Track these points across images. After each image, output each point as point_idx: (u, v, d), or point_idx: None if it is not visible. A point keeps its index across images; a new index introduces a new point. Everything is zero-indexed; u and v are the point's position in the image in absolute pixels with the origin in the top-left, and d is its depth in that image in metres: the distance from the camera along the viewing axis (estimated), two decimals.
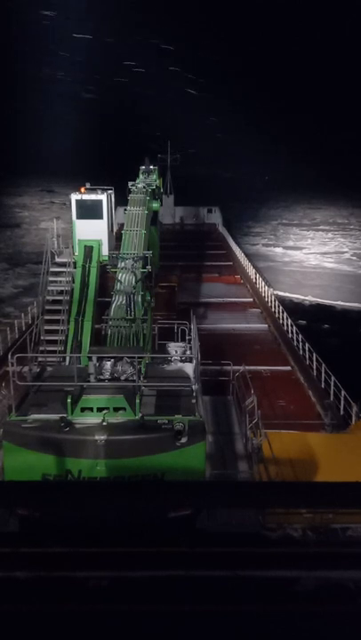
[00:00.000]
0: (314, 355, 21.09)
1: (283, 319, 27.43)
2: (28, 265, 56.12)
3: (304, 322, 30.04)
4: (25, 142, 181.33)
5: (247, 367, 18.77)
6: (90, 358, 12.46)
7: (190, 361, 13.60)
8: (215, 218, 63.48)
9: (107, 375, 12.21)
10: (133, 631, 5.03)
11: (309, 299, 44.85)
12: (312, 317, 38.68)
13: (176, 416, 10.96)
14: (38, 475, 10.48)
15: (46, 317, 19.75)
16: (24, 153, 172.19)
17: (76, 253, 20.58)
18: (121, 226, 21.20)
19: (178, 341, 15.44)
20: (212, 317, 29.27)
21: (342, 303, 43.88)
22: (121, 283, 16.42)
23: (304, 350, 22.56)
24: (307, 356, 22.03)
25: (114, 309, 15.71)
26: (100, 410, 11.10)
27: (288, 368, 22.38)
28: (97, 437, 10.49)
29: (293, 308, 35.55)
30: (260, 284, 35.42)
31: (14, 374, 11.93)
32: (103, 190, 21.24)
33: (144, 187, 22.55)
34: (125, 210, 20.25)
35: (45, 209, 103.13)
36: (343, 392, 17.35)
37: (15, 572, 5.53)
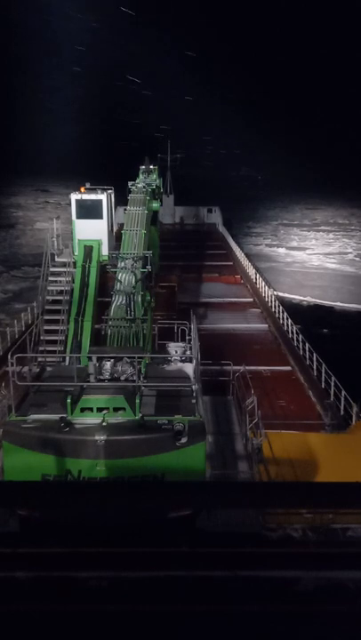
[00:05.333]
0: (314, 355, 21.08)
1: (283, 319, 27.42)
2: (23, 267, 55.02)
3: (303, 322, 29.99)
4: (20, 141, 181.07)
5: (247, 367, 18.75)
6: (90, 358, 12.45)
7: (190, 361, 13.59)
8: (215, 218, 63.38)
9: (107, 375, 12.20)
10: (133, 631, 5.02)
11: (308, 299, 44.83)
12: (311, 318, 38.65)
13: (176, 416, 10.95)
14: (38, 475, 10.47)
15: (46, 317, 19.74)
16: (19, 151, 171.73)
17: (76, 253, 20.57)
18: (121, 226, 21.18)
19: (178, 341, 15.41)
20: (212, 317, 29.24)
21: (341, 304, 43.88)
22: (121, 283, 16.41)
23: (304, 350, 22.54)
24: (307, 356, 22.01)
25: (114, 309, 15.70)
26: (99, 410, 11.10)
27: (288, 368, 22.36)
28: (97, 437, 10.48)
29: (292, 309, 35.55)
30: (261, 284, 35.40)
31: (14, 374, 11.92)
32: (103, 190, 21.23)
33: (144, 186, 22.53)
34: (125, 210, 20.22)
35: (40, 209, 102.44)
36: (343, 392, 17.34)
37: (15, 572, 5.53)
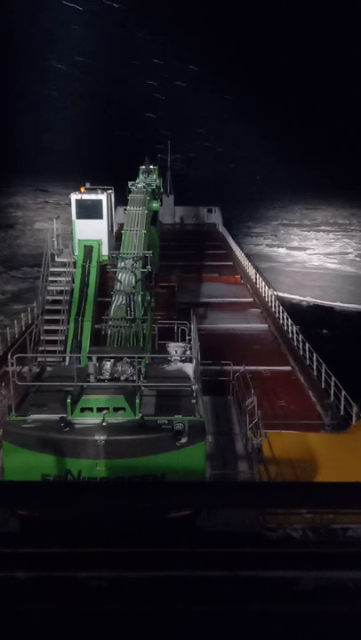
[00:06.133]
0: (314, 355, 21.08)
1: (283, 319, 27.42)
2: (22, 268, 54.67)
3: (303, 322, 30.02)
4: (20, 140, 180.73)
5: (247, 367, 18.75)
6: (90, 358, 12.45)
7: (190, 361, 13.59)
8: (215, 218, 63.39)
9: (107, 375, 12.20)
10: (133, 631, 5.02)
11: (308, 299, 44.83)
12: (311, 318, 38.66)
13: (176, 416, 10.95)
14: (38, 475, 10.47)
15: (46, 317, 19.73)
16: (18, 151, 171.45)
17: (76, 253, 20.57)
18: (121, 226, 21.18)
19: (178, 341, 15.42)
20: (212, 317, 29.24)
21: (341, 304, 43.87)
22: (121, 283, 16.41)
23: (304, 350, 22.54)
24: (307, 356, 22.01)
25: (114, 309, 15.70)
26: (99, 410, 11.10)
27: (288, 368, 22.36)
28: (97, 437, 10.48)
29: (292, 309, 35.57)
30: (261, 284, 35.41)
31: (14, 374, 11.92)
32: (103, 190, 21.23)
33: (144, 186, 22.54)
34: (125, 210, 20.23)
35: (39, 209, 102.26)
36: (343, 392, 17.34)
37: (15, 572, 5.53)
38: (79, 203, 20.72)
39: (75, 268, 20.40)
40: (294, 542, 10.47)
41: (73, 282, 20.22)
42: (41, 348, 16.65)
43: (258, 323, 28.96)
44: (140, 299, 16.16)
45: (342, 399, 17.24)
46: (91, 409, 11.10)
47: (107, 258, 20.11)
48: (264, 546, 9.21)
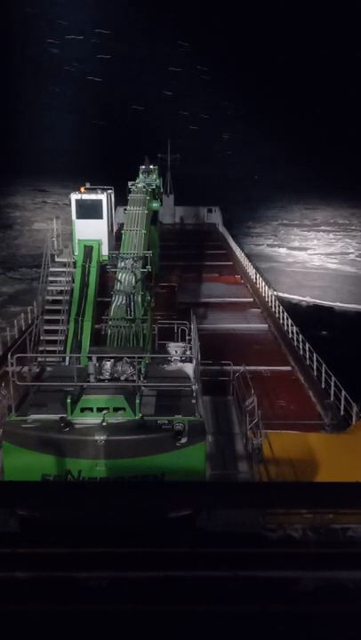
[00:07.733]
0: (314, 355, 21.08)
1: (283, 319, 27.43)
2: (21, 269, 54.35)
3: (303, 322, 29.97)
4: (19, 140, 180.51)
5: (247, 367, 18.75)
6: (90, 358, 12.45)
7: (190, 361, 13.59)
8: (215, 218, 63.42)
9: (107, 375, 12.20)
10: (133, 631, 5.03)
11: (308, 299, 44.81)
12: (311, 318, 38.65)
13: (176, 416, 10.94)
14: (38, 475, 10.47)
15: (46, 317, 19.73)
16: (17, 150, 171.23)
17: (76, 253, 20.58)
18: (121, 226, 21.19)
19: (178, 341, 15.42)
20: (212, 317, 29.24)
21: (341, 304, 43.85)
22: (121, 283, 16.42)
23: (304, 350, 22.55)
24: (307, 356, 22.01)
25: (114, 309, 15.71)
26: (99, 410, 11.10)
27: (288, 368, 22.36)
28: (97, 437, 10.48)
29: (292, 309, 35.51)
30: (261, 284, 35.41)
31: (14, 374, 11.92)
32: (103, 190, 21.23)
33: (144, 186, 22.55)
34: (125, 210, 20.24)
35: (38, 209, 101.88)
36: (343, 392, 17.35)
37: (15, 572, 5.53)
38: (79, 203, 20.72)
39: (75, 268, 20.40)
40: (294, 542, 10.47)
41: (73, 282, 20.21)
42: (41, 348, 16.65)
43: (258, 323, 28.95)
44: (140, 299, 16.16)
45: (342, 399, 17.24)
46: (91, 409, 11.10)
47: (107, 258, 20.10)
48: (264, 546, 9.20)
